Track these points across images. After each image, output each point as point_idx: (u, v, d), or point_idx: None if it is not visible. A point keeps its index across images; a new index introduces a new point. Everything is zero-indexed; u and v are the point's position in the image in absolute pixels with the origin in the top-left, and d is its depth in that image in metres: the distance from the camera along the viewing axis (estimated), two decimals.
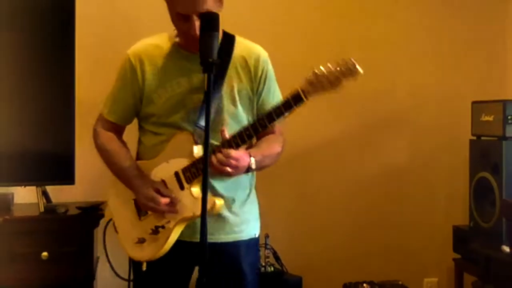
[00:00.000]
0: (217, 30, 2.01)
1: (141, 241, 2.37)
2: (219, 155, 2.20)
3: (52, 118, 3.15)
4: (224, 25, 2.30)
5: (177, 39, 2.40)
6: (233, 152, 2.21)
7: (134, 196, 2.39)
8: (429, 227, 4.03)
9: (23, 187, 3.19)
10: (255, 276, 2.54)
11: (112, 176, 2.49)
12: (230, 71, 2.38)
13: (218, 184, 2.35)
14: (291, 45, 3.76)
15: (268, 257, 3.53)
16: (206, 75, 1.96)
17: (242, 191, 2.47)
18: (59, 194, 3.29)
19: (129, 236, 2.42)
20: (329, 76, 2.13)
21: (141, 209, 2.39)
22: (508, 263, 2.97)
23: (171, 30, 2.41)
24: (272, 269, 3.51)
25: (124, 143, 2.50)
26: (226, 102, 2.37)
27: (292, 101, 2.17)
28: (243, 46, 2.44)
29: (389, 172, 3.99)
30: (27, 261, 2.90)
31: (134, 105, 2.43)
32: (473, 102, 3.69)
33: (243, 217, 2.47)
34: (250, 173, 2.44)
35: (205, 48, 1.98)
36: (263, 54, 2.47)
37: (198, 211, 2.21)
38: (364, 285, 3.60)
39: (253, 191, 2.54)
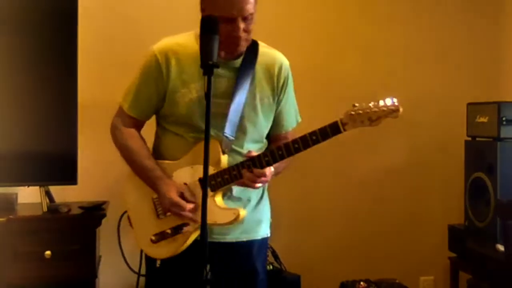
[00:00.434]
0: (217, 33, 2.01)
1: (158, 239, 2.35)
2: (251, 176, 2.23)
3: (55, 120, 3.15)
4: None
5: None
6: (267, 171, 2.24)
7: (153, 194, 2.37)
8: (425, 226, 4.04)
9: (26, 187, 3.19)
10: (265, 274, 2.56)
11: (128, 171, 2.47)
12: (253, 79, 2.37)
13: (234, 188, 2.35)
14: (291, 46, 3.76)
15: (267, 255, 3.53)
16: (206, 77, 1.97)
17: (256, 192, 2.47)
18: (62, 194, 3.29)
19: (145, 232, 2.40)
20: (371, 114, 2.15)
21: (160, 208, 2.37)
22: (502, 262, 2.97)
23: (197, 29, 2.39)
24: (271, 267, 3.50)
25: (144, 141, 2.47)
26: (248, 109, 2.36)
27: (330, 131, 2.18)
28: (265, 53, 2.42)
29: (386, 172, 3.99)
30: (30, 260, 2.90)
31: (156, 102, 2.39)
32: (469, 104, 3.70)
33: (256, 217, 2.48)
34: None
35: (205, 51, 1.99)
36: (285, 62, 2.46)
37: (220, 220, 2.27)
38: (361, 283, 3.60)
39: (266, 192, 2.54)
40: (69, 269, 2.95)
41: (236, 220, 2.28)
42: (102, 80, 3.49)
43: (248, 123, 2.38)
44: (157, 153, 2.46)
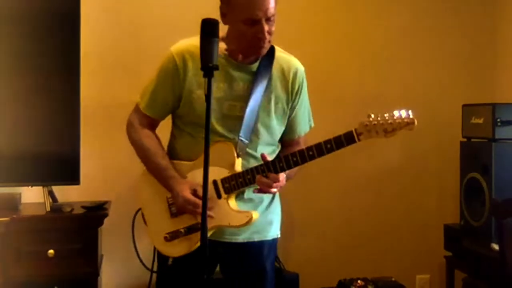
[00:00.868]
0: (217, 36, 2.01)
1: (171, 237, 2.36)
2: (267, 181, 2.24)
3: (58, 121, 3.15)
4: None
5: (224, 45, 2.34)
6: (281, 176, 2.25)
7: (167, 194, 2.37)
8: (421, 226, 4.04)
9: (30, 187, 3.19)
10: (274, 273, 2.55)
11: (143, 169, 2.46)
12: (269, 83, 2.36)
13: (246, 189, 2.35)
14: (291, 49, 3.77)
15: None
16: (207, 79, 1.96)
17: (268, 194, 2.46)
18: (65, 194, 3.29)
19: (159, 230, 2.40)
20: (386, 126, 2.15)
21: (173, 207, 2.38)
22: (497, 260, 2.97)
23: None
24: None
25: (159, 140, 2.47)
26: (262, 113, 2.36)
27: (344, 140, 2.19)
28: (281, 57, 2.42)
29: (383, 173, 4.00)
30: (34, 258, 2.90)
31: (172, 102, 2.39)
32: (464, 105, 3.70)
33: (268, 218, 2.48)
34: None
35: (205, 54, 1.99)
36: (301, 67, 2.45)
37: (234, 222, 2.28)
38: (359, 281, 3.60)
39: (277, 193, 2.52)
40: (71, 268, 2.94)
41: (248, 223, 2.29)
42: (104, 82, 3.50)
43: (262, 126, 2.38)
44: (172, 153, 2.46)
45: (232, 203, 2.32)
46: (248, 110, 2.30)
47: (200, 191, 2.26)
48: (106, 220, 3.08)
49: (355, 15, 3.95)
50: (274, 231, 2.51)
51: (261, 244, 2.45)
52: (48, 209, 3.03)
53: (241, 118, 2.30)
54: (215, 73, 2.18)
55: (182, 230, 2.34)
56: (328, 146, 2.20)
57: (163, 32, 3.46)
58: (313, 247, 3.87)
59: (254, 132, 2.35)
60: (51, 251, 2.90)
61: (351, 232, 3.94)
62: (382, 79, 3.96)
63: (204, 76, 1.97)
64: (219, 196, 2.31)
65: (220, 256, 2.41)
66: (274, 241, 2.52)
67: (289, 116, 2.45)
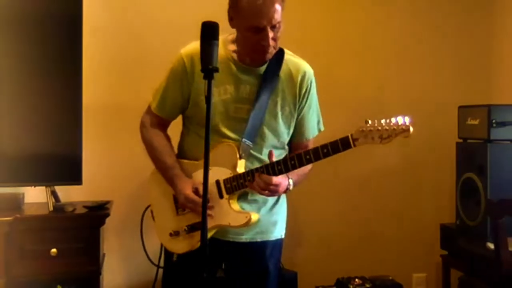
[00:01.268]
0: (217, 39, 2.01)
1: (176, 234, 2.38)
2: (260, 181, 2.23)
3: (60, 122, 3.15)
4: None
5: (233, 47, 2.35)
6: (273, 180, 2.23)
7: (174, 192, 2.40)
8: (418, 225, 4.04)
9: (33, 187, 3.19)
10: (277, 274, 2.54)
11: (153, 167, 2.49)
12: (276, 86, 2.36)
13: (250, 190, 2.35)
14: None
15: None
16: (207, 81, 1.97)
17: None
18: (67, 194, 3.30)
19: (165, 227, 2.43)
20: (382, 132, 2.14)
21: (179, 206, 2.40)
22: (492, 259, 2.97)
23: (225, 33, 2.36)
24: None
25: (169, 139, 2.49)
26: (268, 116, 2.35)
27: (341, 145, 2.19)
28: (290, 60, 2.41)
29: (381, 173, 4.00)
30: (37, 257, 2.90)
31: (181, 103, 2.41)
32: (460, 107, 3.70)
33: (272, 219, 2.48)
34: None
35: (205, 56, 1.99)
36: (309, 70, 2.44)
37: (233, 222, 2.29)
38: (356, 280, 3.60)
39: (283, 194, 2.51)
40: (74, 266, 2.95)
41: (247, 224, 2.29)
42: (105, 84, 3.50)
43: (268, 129, 2.37)
44: (181, 152, 2.49)
45: (234, 203, 2.32)
46: (253, 112, 2.31)
47: (201, 190, 2.26)
48: (108, 220, 3.08)
49: (353, 17, 3.95)
50: (278, 232, 2.51)
51: (264, 244, 2.45)
52: (51, 208, 3.03)
53: (247, 120, 2.31)
54: (223, 75, 2.20)
55: (186, 228, 2.37)
56: (325, 150, 2.20)
57: (164, 35, 3.47)
58: (312, 246, 3.88)
59: (259, 135, 2.35)
60: (53, 250, 2.90)
61: (349, 231, 3.95)
62: (379, 81, 3.96)
63: (204, 78, 1.97)
64: (221, 196, 2.32)
65: (225, 255, 2.41)
66: (278, 241, 2.52)
67: (297, 119, 2.44)
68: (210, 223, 2.29)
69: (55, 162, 3.10)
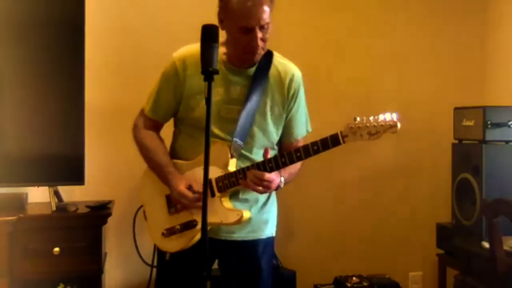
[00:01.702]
0: (217, 41, 2.02)
1: (168, 233, 2.38)
2: (252, 176, 2.24)
3: (63, 123, 3.15)
4: None
5: (224, 55, 2.35)
6: (266, 175, 2.24)
7: (167, 191, 2.40)
8: (414, 224, 4.04)
9: (36, 187, 3.19)
10: (270, 271, 2.55)
11: (145, 168, 2.50)
12: (265, 87, 2.37)
13: (241, 189, 2.36)
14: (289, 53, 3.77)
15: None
16: (207, 83, 1.98)
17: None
18: (70, 193, 3.30)
19: (157, 226, 2.43)
20: (370, 128, 2.16)
21: (171, 205, 2.40)
22: (487, 258, 2.98)
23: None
24: None
25: (162, 140, 2.50)
26: (258, 116, 2.37)
27: (330, 142, 2.20)
28: (279, 63, 2.43)
29: (378, 173, 4.00)
30: (40, 256, 2.90)
31: (175, 106, 2.43)
32: (455, 108, 3.71)
33: (263, 218, 2.49)
34: None
35: (205, 58, 1.99)
36: (297, 73, 2.46)
37: (226, 220, 2.30)
38: (354, 278, 3.60)
39: (274, 193, 2.53)
40: (76, 265, 2.94)
41: (239, 221, 2.30)
42: (107, 86, 3.50)
43: (258, 129, 2.39)
44: (173, 153, 2.49)
45: (225, 201, 2.34)
46: (244, 113, 2.32)
47: (195, 187, 2.31)
48: (109, 219, 3.08)
49: (349, 20, 3.95)
50: (269, 230, 2.51)
51: (255, 242, 2.46)
52: (54, 208, 3.03)
53: (237, 121, 2.32)
54: (214, 78, 2.20)
55: (178, 227, 2.37)
56: (315, 148, 2.22)
57: (165, 38, 3.47)
58: (310, 245, 3.88)
59: (249, 135, 2.36)
60: (56, 249, 2.90)
61: (346, 230, 3.95)
62: (376, 83, 3.96)
63: (205, 80, 1.98)
64: (212, 194, 2.33)
65: (218, 253, 2.42)
66: (269, 239, 2.52)
67: (286, 120, 2.46)
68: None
69: (58, 162, 3.11)
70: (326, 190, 3.92)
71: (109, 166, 3.50)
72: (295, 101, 2.45)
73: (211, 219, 2.28)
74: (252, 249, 2.46)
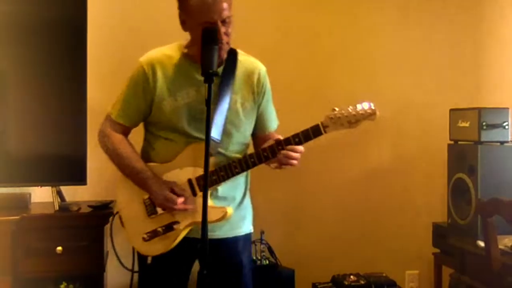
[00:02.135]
0: (217, 43, 2.02)
1: (150, 237, 2.35)
2: (289, 153, 2.25)
3: (66, 124, 3.15)
4: None
5: (185, 50, 2.37)
6: (299, 148, 2.27)
7: (145, 195, 2.37)
8: (410, 224, 4.04)
9: (39, 187, 3.20)
10: (251, 267, 2.57)
11: (120, 175, 2.46)
12: (234, 85, 2.38)
13: (220, 188, 2.37)
14: (285, 55, 3.78)
15: (263, 251, 3.54)
16: (207, 85, 1.98)
17: (239, 191, 2.49)
18: (73, 193, 3.30)
19: (137, 231, 2.40)
20: (349, 117, 2.20)
21: (151, 208, 2.38)
22: (482, 257, 2.98)
23: (182, 40, 2.39)
24: (267, 262, 3.51)
25: (132, 145, 2.47)
26: (231, 114, 2.37)
27: (312, 133, 2.23)
28: (244, 60, 2.44)
29: (376, 173, 4.00)
30: (43, 255, 2.90)
31: (144, 110, 2.40)
32: (451, 110, 3.72)
33: (241, 214, 2.49)
34: (245, 174, 2.48)
35: (205, 60, 1.99)
36: (263, 69, 2.48)
37: (210, 218, 2.23)
38: (351, 276, 3.60)
39: (248, 190, 2.56)
40: (78, 264, 2.95)
41: (224, 217, 2.31)
42: (109, 86, 3.46)
43: (232, 127, 2.39)
44: (146, 157, 2.45)
45: (208, 199, 2.32)
46: (217, 112, 2.31)
47: (176, 189, 2.30)
48: (111, 219, 3.08)
49: (345, 21, 3.96)
50: (247, 227, 2.53)
51: (235, 239, 2.47)
52: (57, 208, 3.04)
53: (212, 120, 2.31)
54: (183, 80, 2.22)
55: (160, 229, 2.34)
56: (297, 139, 2.25)
57: (167, 39, 3.44)
58: (308, 244, 3.88)
59: (224, 133, 2.36)
60: (59, 248, 2.91)
61: (344, 229, 3.95)
62: (372, 85, 3.95)
63: (205, 82, 1.99)
64: (194, 194, 2.32)
65: (198, 252, 2.40)
66: (248, 236, 2.54)
67: (258, 114, 2.48)
68: (186, 221, 2.32)
69: (61, 163, 3.11)
70: (324, 190, 3.92)
71: (111, 166, 3.48)
72: (263, 95, 2.47)
73: (195, 218, 2.30)
74: (233, 246, 2.46)
